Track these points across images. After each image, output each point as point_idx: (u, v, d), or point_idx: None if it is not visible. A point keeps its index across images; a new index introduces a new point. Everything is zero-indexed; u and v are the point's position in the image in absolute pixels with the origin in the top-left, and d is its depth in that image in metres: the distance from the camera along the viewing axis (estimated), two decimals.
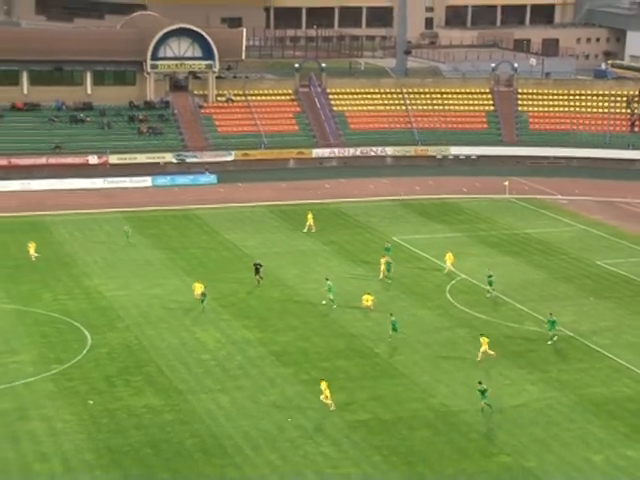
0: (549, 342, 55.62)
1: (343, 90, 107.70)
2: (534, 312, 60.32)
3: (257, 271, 64.34)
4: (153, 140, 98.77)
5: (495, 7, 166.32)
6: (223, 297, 62.36)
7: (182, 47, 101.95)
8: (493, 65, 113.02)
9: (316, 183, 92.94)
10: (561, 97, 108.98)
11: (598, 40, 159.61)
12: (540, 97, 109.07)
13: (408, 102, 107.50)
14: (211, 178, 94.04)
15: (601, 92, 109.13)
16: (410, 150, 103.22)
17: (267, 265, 67.86)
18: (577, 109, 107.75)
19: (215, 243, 74.44)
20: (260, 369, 51.79)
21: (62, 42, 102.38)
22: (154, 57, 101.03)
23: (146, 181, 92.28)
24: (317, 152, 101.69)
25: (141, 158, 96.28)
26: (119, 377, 50.34)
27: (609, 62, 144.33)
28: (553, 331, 55.89)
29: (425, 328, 58.00)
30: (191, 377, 50.59)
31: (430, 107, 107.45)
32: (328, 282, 61.17)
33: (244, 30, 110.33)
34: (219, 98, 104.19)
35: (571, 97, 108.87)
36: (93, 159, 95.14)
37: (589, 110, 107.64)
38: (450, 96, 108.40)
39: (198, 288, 60.34)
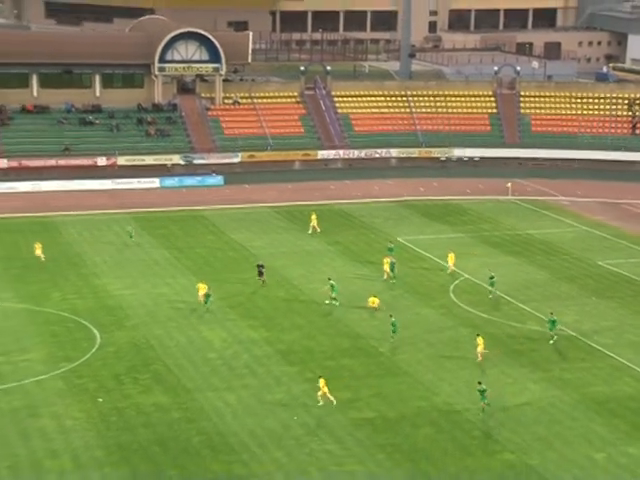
0: (551, 341, 55.59)
1: (348, 93, 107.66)
2: (536, 312, 60.28)
3: (260, 273, 64.24)
4: (161, 142, 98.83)
5: (498, 11, 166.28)
6: (229, 297, 62.39)
7: (189, 50, 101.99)
8: (496, 68, 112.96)
9: (321, 184, 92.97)
10: (563, 100, 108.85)
11: (600, 43, 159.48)
12: (542, 100, 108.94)
13: (412, 104, 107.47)
14: (218, 179, 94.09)
15: (603, 95, 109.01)
16: (414, 152, 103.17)
17: (273, 265, 67.95)
18: (579, 112, 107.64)
19: (221, 243, 74.49)
20: (266, 368, 51.81)
21: (71, 45, 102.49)
22: (162, 60, 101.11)
23: (154, 182, 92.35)
24: (322, 154, 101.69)
25: (149, 160, 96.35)
26: (127, 375, 50.40)
27: (611, 65, 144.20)
28: (554, 330, 55.86)
29: (429, 327, 57.99)
30: (198, 375, 50.63)
31: (434, 109, 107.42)
32: (331, 281, 61.21)
33: (250, 34, 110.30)
34: (226, 101, 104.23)
35: (573, 100, 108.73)
36: (102, 161, 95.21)
37: (591, 113, 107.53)
38: (453, 99, 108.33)
39: (202, 289, 60.28)
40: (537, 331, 57.00)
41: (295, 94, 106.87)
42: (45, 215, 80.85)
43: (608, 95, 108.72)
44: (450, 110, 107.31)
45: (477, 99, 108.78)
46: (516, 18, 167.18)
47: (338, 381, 49.94)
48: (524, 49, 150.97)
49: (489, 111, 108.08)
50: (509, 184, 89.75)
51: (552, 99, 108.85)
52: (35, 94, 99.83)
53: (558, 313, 58.38)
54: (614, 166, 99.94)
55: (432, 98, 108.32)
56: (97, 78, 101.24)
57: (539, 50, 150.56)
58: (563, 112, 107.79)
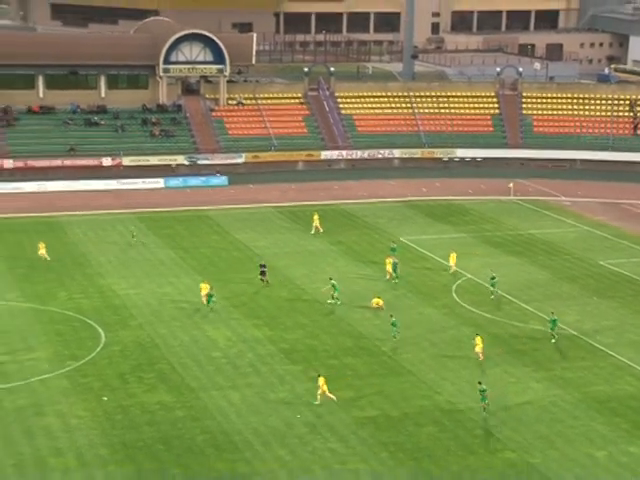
0: (552, 341, 55.52)
1: (351, 94, 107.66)
2: (538, 311, 60.22)
3: (262, 273, 64.13)
4: (165, 142, 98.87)
5: (500, 12, 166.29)
6: (234, 296, 62.39)
7: (194, 52, 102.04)
8: (498, 69, 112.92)
9: (324, 185, 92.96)
10: (565, 101, 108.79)
11: (601, 45, 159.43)
12: (544, 101, 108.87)
13: (415, 105, 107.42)
14: (222, 180, 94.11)
15: (604, 96, 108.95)
16: (417, 152, 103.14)
17: (276, 265, 67.96)
18: (581, 112, 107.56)
19: (226, 243, 74.49)
20: (270, 367, 51.80)
21: (77, 47, 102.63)
22: (167, 61, 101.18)
23: (159, 183, 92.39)
24: (326, 154, 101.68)
25: (154, 160, 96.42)
26: (132, 374, 50.40)
27: (612, 66, 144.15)
28: (555, 330, 55.77)
29: (431, 327, 57.95)
30: (202, 374, 50.62)
31: (436, 110, 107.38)
32: (332, 281, 61.18)
33: (254, 35, 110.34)
34: (230, 102, 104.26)
35: (575, 101, 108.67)
36: (107, 161, 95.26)
37: (592, 113, 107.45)
38: (456, 99, 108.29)
39: (204, 289, 60.19)
40: (539, 330, 56.93)
41: (299, 95, 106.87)
42: (51, 215, 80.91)
43: (609, 96, 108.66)
44: (453, 111, 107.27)
45: (479, 100, 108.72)
46: (518, 19, 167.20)
47: (341, 380, 49.95)
48: (526, 50, 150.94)
49: (491, 112, 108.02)
50: (511, 184, 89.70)
51: (554, 100, 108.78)
52: (41, 95, 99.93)
53: (560, 313, 58.34)
54: (615, 167, 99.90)
55: (435, 99, 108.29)
56: (102, 79, 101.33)
57: (541, 51, 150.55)
58: (565, 113, 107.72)
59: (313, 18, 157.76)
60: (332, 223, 79.62)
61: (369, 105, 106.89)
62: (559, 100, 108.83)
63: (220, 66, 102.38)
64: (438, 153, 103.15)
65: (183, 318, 58.49)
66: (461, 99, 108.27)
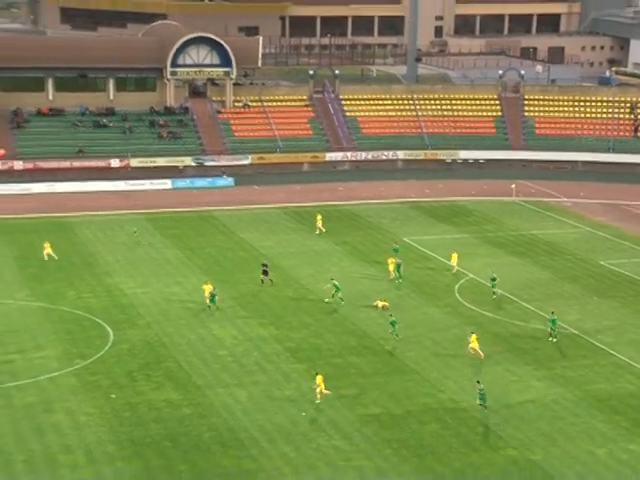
0: (554, 340, 55.46)
1: (356, 96, 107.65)
2: (540, 311, 60.17)
3: (265, 272, 64.09)
4: (173, 144, 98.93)
5: (503, 16, 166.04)
6: (240, 295, 62.42)
7: (201, 55, 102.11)
8: (501, 72, 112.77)
9: (329, 186, 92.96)
10: (566, 103, 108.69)
11: (602, 48, 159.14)
12: (546, 103, 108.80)
13: (418, 108, 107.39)
14: (228, 181, 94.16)
15: (605, 98, 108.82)
16: (420, 154, 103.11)
17: (282, 265, 68.01)
18: (582, 115, 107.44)
19: (232, 243, 74.53)
20: (275, 365, 51.82)
21: (86, 50, 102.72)
22: (174, 64, 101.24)
23: (166, 184, 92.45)
24: (330, 156, 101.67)
25: (161, 162, 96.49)
26: (140, 372, 50.46)
27: (613, 69, 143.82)
28: (555, 328, 55.69)
29: (435, 326, 57.93)
30: (209, 372, 50.66)
31: (440, 112, 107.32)
32: (333, 281, 61.17)
33: (260, 38, 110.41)
34: (236, 104, 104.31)
35: (576, 103, 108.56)
36: (115, 162, 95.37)
37: (593, 116, 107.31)
38: (459, 102, 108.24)
39: (207, 290, 60.09)
40: (541, 330, 56.88)
41: (304, 97, 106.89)
42: (60, 216, 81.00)
43: (610, 99, 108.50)
44: (456, 113, 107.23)
45: (482, 102, 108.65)
46: (520, 23, 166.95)
47: (345, 378, 49.98)
48: (528, 53, 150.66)
49: (494, 114, 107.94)
50: (513, 186, 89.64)
51: (556, 102, 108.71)
52: (50, 97, 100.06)
53: (561, 312, 58.32)
54: (616, 168, 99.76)
55: (438, 101, 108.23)
56: (111, 82, 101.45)
57: (543, 54, 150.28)
58: (566, 115, 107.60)
59: (318, 22, 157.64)
60: (337, 224, 79.63)
61: (373, 107, 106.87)
62: (561, 102, 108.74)
63: (227, 69, 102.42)
64: (441, 155, 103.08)
65: (190, 317, 58.54)
66: (464, 101, 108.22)
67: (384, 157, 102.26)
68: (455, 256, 67.75)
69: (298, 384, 49.28)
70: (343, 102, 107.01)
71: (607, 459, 42.65)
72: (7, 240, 73.68)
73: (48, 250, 68.23)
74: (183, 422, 45.14)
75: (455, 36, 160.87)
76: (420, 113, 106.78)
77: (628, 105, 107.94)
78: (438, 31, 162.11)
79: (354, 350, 54.01)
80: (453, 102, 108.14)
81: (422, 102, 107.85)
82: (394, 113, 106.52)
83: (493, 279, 63.05)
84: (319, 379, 46.97)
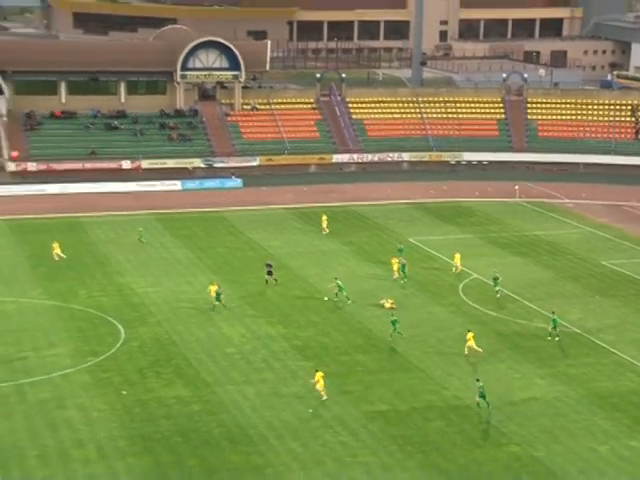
0: (556, 338, 55.36)
1: (362, 99, 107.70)
2: (542, 310, 60.08)
3: (269, 273, 64.00)
4: (183, 146, 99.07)
5: (506, 21, 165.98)
6: (248, 294, 62.45)
7: (210, 58, 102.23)
8: (504, 75, 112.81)
9: (336, 187, 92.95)
10: (569, 106, 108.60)
11: (604, 52, 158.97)
12: (549, 106, 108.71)
13: (423, 110, 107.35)
14: (237, 182, 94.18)
15: (607, 101, 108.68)
16: (425, 156, 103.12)
17: (289, 264, 68.04)
18: (584, 117, 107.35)
19: (240, 243, 74.56)
20: (283, 362, 51.84)
21: (98, 54, 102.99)
22: (184, 68, 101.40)
23: (176, 185, 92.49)
24: (337, 158, 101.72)
25: (171, 163, 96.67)
26: (150, 369, 50.51)
27: (615, 73, 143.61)
28: (557, 329, 55.57)
29: (439, 325, 57.89)
30: (218, 370, 50.69)
31: (444, 115, 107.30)
32: (337, 281, 61.15)
33: (269, 42, 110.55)
34: (245, 107, 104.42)
35: (578, 106, 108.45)
36: (126, 164, 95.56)
37: (595, 118, 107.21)
38: (463, 105, 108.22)
39: (212, 291, 59.99)
40: (543, 328, 56.77)
41: (311, 100, 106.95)
42: (72, 216, 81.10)
43: (612, 102, 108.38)
44: (460, 116, 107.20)
45: (486, 105, 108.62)
46: (524, 27, 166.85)
47: (352, 376, 49.99)
48: (531, 57, 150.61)
49: (497, 117, 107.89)
50: (516, 187, 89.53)
51: (558, 105, 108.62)
52: (63, 100, 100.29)
53: (563, 311, 58.26)
54: (617, 170, 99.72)
55: (442, 104, 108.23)
56: (122, 85, 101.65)
57: (546, 58, 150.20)
58: (569, 118, 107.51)
59: (325, 26, 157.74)
60: (343, 224, 79.62)
61: (379, 110, 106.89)
62: (563, 105, 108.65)
63: (235, 72, 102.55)
64: (446, 156, 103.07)
65: (199, 315, 58.59)
66: (468, 104, 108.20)
67: (389, 159, 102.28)
68: (458, 256, 67.70)
69: (305, 381, 49.22)
70: (349, 105, 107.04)
71: (609, 456, 42.59)
72: (20, 240, 73.84)
73: (57, 250, 68.32)
74: (193, 418, 45.19)
75: (459, 40, 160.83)
76: (425, 116, 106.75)
77: (629, 108, 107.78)
78: (443, 35, 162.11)
79: (360, 348, 54.00)
80: (457, 105, 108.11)
81: (427, 105, 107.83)
82: (399, 116, 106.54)
83: (495, 279, 62.98)
84: (318, 375, 46.94)
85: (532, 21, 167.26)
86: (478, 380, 46.70)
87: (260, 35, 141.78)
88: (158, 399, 47.04)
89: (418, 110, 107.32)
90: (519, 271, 68.34)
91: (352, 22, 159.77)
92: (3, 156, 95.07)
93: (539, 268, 69.53)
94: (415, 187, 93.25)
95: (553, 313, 56.30)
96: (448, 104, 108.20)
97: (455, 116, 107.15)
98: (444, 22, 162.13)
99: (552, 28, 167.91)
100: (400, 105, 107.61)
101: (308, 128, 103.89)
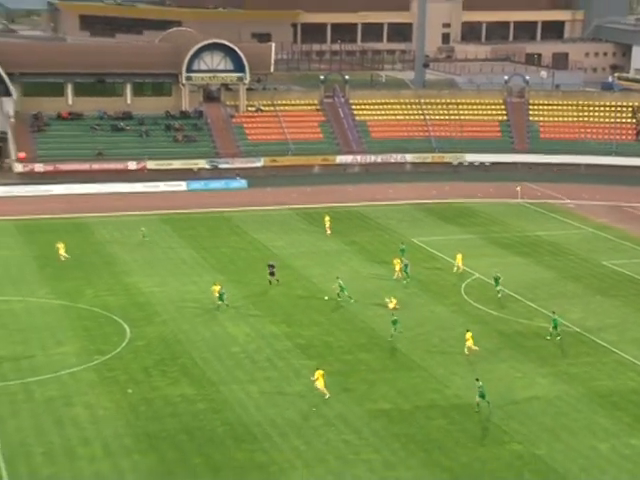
0: (557, 338, 55.29)
1: (365, 101, 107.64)
2: (544, 309, 60.04)
3: (272, 273, 64.00)
4: (188, 147, 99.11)
5: (508, 23, 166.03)
6: (252, 294, 62.49)
7: (215, 61, 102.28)
8: (506, 77, 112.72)
9: (339, 188, 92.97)
10: (570, 108, 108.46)
11: (605, 54, 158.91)
12: (550, 108, 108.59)
13: (426, 112, 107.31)
14: (242, 183, 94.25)
15: (608, 103, 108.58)
16: (428, 157, 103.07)
17: (293, 264, 68.07)
18: (585, 119, 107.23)
19: (245, 243, 74.60)
20: (287, 361, 51.86)
21: (104, 56, 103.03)
22: (189, 70, 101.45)
23: (181, 185, 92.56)
24: (340, 159, 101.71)
25: (177, 164, 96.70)
26: (156, 368, 50.56)
27: (615, 75, 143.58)
28: (557, 328, 55.50)
29: (442, 324, 57.87)
30: (223, 368, 50.73)
31: (447, 117, 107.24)
32: (339, 280, 61.18)
33: (273, 45, 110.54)
34: (249, 108, 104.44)
35: (580, 108, 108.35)
36: (132, 165, 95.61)
37: (597, 120, 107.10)
38: (465, 106, 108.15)
39: (216, 290, 60.04)
40: (545, 328, 56.72)
41: (315, 102, 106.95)
42: (79, 216, 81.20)
43: (613, 103, 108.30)
44: (462, 117, 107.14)
45: (488, 107, 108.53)
46: (525, 30, 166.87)
47: (355, 374, 50.00)
48: (533, 59, 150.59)
49: (499, 118, 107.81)
50: (518, 188, 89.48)
51: (560, 107, 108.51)
52: (70, 102, 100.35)
53: (564, 311, 58.24)
54: (618, 171, 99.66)
55: (445, 106, 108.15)
56: (128, 87, 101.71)
57: (547, 60, 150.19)
58: (570, 119, 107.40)
59: (329, 28, 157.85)
60: (346, 224, 79.64)
61: (382, 112, 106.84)
62: (564, 107, 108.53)
63: (240, 74, 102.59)
64: (448, 157, 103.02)
65: (204, 315, 58.63)
66: (470, 106, 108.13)
67: (393, 160, 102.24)
68: (459, 257, 67.68)
69: (309, 380, 49.22)
70: (353, 106, 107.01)
71: (609, 454, 42.57)
72: (28, 240, 73.94)
73: (61, 251, 68.37)
74: (198, 416, 45.22)
75: (462, 42, 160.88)
76: (427, 117, 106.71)
77: (630, 110, 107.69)
78: (445, 38, 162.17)
79: (363, 347, 54.01)
80: (460, 106, 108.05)
81: (429, 106, 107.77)
82: (402, 117, 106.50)
83: (496, 279, 62.95)
84: (318, 373, 46.94)
85: (534, 24, 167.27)
86: (477, 380, 46.68)
87: (264, 37, 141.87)
88: (163, 397, 47.09)
89: (421, 112, 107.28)
90: (521, 271, 68.31)
91: (355, 24, 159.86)
92: (11, 157, 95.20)
93: (541, 268, 69.50)
94: (418, 188, 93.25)
95: (553, 313, 56.28)
96: (450, 106, 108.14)
97: (457, 118, 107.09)
98: (447, 25, 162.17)
99: (554, 30, 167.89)
100: (403, 107, 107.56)
101: (312, 129, 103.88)
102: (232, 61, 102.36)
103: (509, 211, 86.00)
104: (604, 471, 41.21)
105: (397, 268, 65.64)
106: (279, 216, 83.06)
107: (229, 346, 53.81)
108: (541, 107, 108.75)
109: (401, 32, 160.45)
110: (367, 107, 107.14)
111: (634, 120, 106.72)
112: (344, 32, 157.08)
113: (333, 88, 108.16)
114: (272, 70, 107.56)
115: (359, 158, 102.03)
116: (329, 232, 76.59)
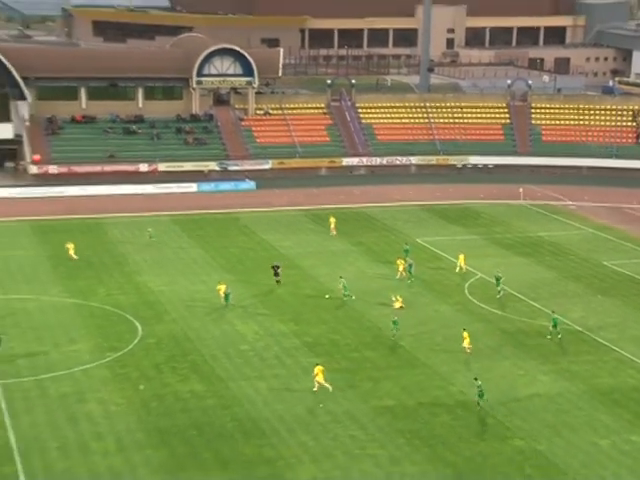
0: (558, 336, 55.23)
1: (371, 104, 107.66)
2: (546, 308, 59.98)
3: (276, 273, 64.05)
4: (198, 150, 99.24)
5: (511, 28, 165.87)
6: (261, 293, 62.57)
7: (225, 65, 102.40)
8: (509, 82, 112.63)
9: (346, 189, 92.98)
10: (572, 111, 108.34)
11: (606, 59, 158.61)
12: (552, 111, 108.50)
13: (431, 115, 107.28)
14: (250, 184, 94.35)
15: (609, 107, 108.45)
16: (432, 159, 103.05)
17: (301, 264, 68.13)
18: (586, 122, 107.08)
19: (253, 243, 74.68)
20: (295, 359, 51.92)
21: (117, 61, 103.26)
22: (199, 74, 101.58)
23: (192, 187, 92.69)
24: (347, 161, 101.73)
25: (187, 166, 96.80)
26: (167, 365, 50.67)
27: (616, 79, 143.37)
28: (559, 326, 55.46)
29: (445, 323, 57.88)
30: (232, 366, 50.82)
31: (451, 120, 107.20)
32: (342, 280, 61.22)
33: (281, 50, 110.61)
34: (258, 112, 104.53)
35: (581, 111, 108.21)
36: (144, 167, 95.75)
37: (598, 123, 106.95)
38: (469, 110, 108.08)
39: (222, 290, 60.07)
40: (546, 326, 56.67)
41: (322, 105, 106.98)
42: (91, 217, 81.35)
43: (614, 107, 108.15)
44: (466, 120, 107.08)
45: (491, 110, 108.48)
46: (528, 35, 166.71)
47: (361, 372, 50.05)
48: (535, 64, 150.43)
49: (502, 122, 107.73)
50: (521, 189, 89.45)
51: (561, 111, 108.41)
52: (83, 106, 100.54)
53: (565, 310, 58.21)
54: (619, 173, 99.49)
55: (449, 109, 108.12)
56: (140, 91, 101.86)
57: (549, 65, 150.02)
58: (572, 123, 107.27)
59: (336, 34, 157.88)
60: (353, 225, 79.67)
61: (388, 115, 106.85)
62: (566, 111, 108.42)
63: (249, 78, 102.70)
64: (452, 160, 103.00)
65: (214, 313, 58.73)
66: (474, 109, 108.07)
67: (398, 162, 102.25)
68: (462, 257, 67.67)
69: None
70: (359, 110, 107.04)
71: (610, 450, 42.55)
72: (42, 240, 74.14)
73: (71, 252, 68.50)
74: (207, 412, 45.32)
75: (466, 47, 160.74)
76: (432, 120, 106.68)
77: (630, 113, 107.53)
78: (450, 43, 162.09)
79: (369, 345, 54.05)
80: (464, 110, 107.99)
81: (434, 110, 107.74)
82: (407, 120, 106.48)
83: (498, 278, 62.91)
84: (318, 369, 46.97)
85: (536, 29, 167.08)
86: (476, 379, 46.65)
87: (273, 42, 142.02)
88: (174, 393, 47.20)
89: (426, 115, 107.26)
90: (523, 271, 68.28)
91: (362, 30, 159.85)
92: (26, 159, 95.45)
93: (542, 268, 69.45)
94: (422, 190, 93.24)
95: (553, 312, 56.22)
96: (455, 109, 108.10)
97: (461, 121, 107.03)
98: (451, 30, 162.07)
99: (556, 36, 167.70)
100: (408, 110, 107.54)
101: (319, 132, 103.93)
102: (241, 66, 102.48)
103: (511, 212, 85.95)
104: (604, 467, 41.19)
105: (400, 268, 65.67)
106: (287, 217, 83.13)
107: (238, 344, 53.89)
108: (543, 111, 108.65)
109: (406, 37, 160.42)
110: (373, 110, 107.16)
111: (634, 123, 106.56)
112: (351, 37, 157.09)
113: (340, 92, 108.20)
114: (280, 74, 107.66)
115: (365, 160, 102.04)
116: (334, 233, 76.65)
